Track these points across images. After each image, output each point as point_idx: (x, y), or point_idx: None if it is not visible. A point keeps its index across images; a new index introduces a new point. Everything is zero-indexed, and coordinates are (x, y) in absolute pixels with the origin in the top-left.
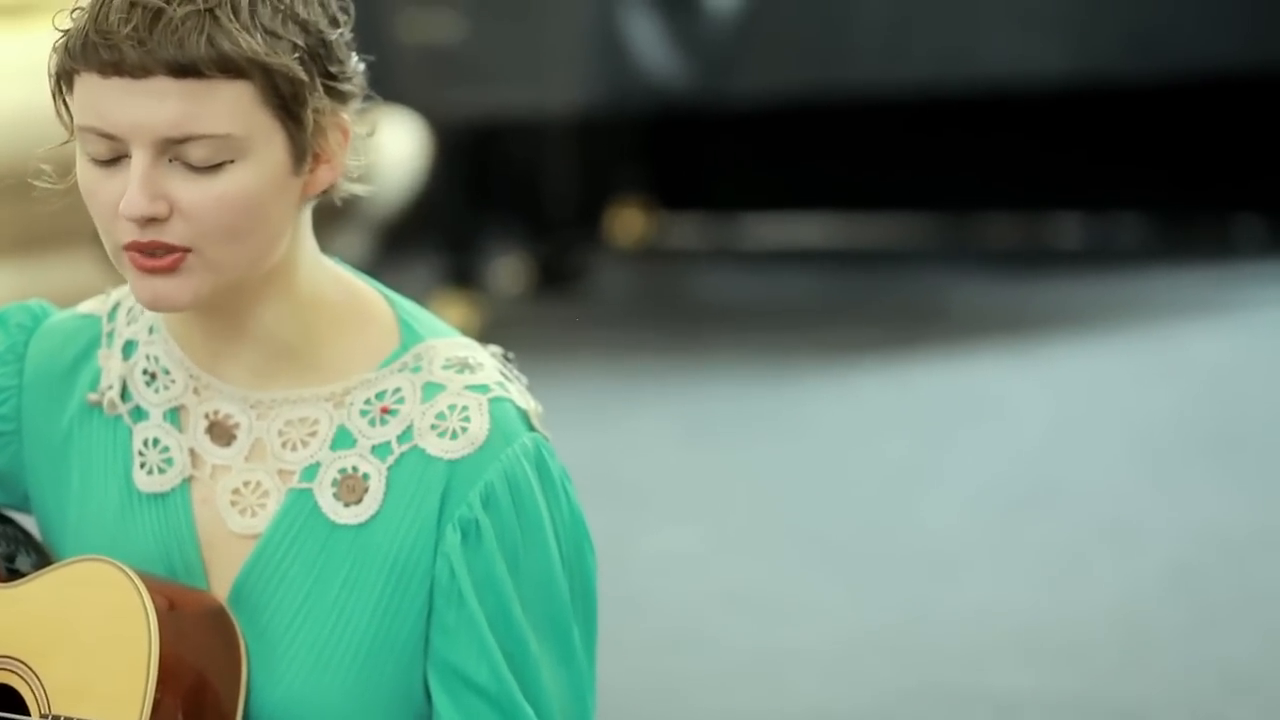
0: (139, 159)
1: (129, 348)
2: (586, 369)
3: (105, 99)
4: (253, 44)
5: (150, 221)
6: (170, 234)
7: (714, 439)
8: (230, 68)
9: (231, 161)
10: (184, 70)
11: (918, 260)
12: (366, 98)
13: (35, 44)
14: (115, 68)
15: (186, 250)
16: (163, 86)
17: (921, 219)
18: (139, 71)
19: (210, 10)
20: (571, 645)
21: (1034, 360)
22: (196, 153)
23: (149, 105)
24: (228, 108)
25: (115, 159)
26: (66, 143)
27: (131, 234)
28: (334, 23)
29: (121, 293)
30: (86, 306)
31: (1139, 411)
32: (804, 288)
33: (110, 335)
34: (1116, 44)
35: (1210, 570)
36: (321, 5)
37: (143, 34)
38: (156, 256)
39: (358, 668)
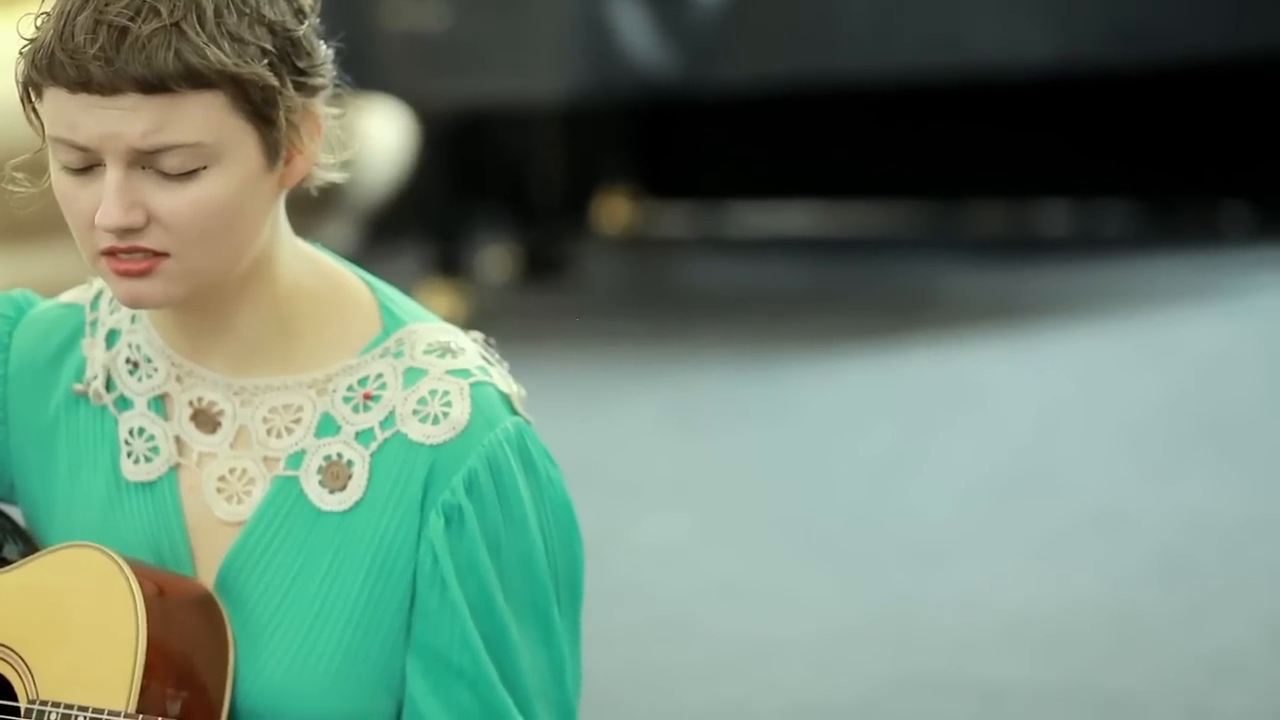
0: (113, 170)
1: (112, 337)
2: (573, 358)
3: (75, 113)
4: (220, 55)
5: (128, 230)
6: (148, 240)
7: (700, 428)
8: (200, 81)
9: (205, 168)
10: (153, 87)
11: (905, 248)
12: (337, 84)
13: (15, 33)
14: (83, 85)
15: (163, 255)
16: (132, 102)
17: (909, 207)
18: (107, 89)
19: (176, 24)
20: (552, 628)
21: (1022, 348)
22: (169, 162)
23: (119, 119)
24: (199, 118)
25: (88, 167)
26: (39, 150)
27: (109, 241)
28: (300, 15)
29: (104, 282)
30: (69, 296)
31: (1128, 399)
32: (791, 276)
33: (94, 324)
34: (1104, 31)
35: (1199, 558)
36: (287, 1)
37: (110, 53)
38: (130, 260)
39: (341, 654)
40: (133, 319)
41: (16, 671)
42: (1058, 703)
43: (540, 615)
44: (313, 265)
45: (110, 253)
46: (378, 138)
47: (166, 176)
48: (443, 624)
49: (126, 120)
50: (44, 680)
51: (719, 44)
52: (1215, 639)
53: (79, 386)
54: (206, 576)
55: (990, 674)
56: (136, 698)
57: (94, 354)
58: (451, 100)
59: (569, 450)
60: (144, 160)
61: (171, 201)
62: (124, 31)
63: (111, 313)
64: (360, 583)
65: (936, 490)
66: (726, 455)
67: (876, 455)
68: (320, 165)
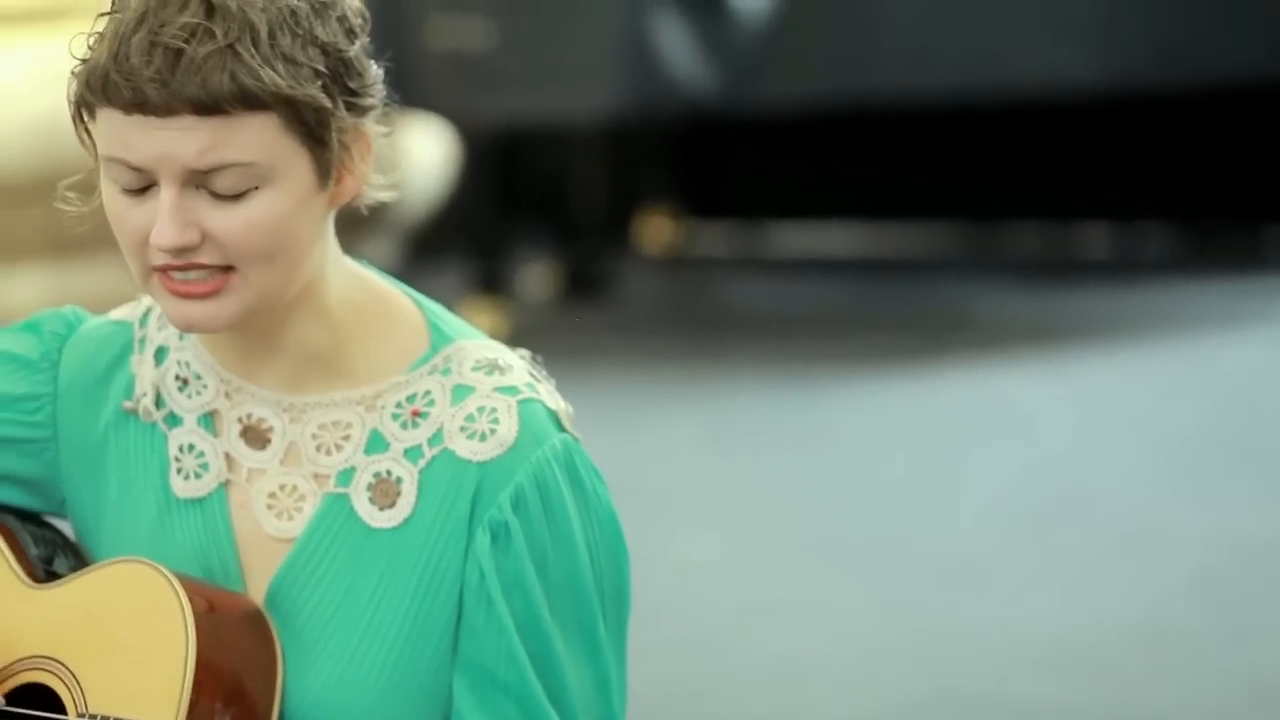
0: (167, 190)
1: (161, 354)
2: (613, 376)
3: (130, 133)
4: (275, 77)
5: (183, 249)
6: (204, 256)
7: (738, 447)
8: (255, 103)
9: (257, 188)
10: (208, 108)
11: (944, 269)
12: (386, 102)
13: (60, 50)
14: (139, 107)
15: (228, 270)
16: (188, 123)
17: (948, 228)
18: (163, 110)
19: (231, 46)
20: (598, 645)
21: (1060, 370)
22: (223, 182)
23: (174, 139)
24: (253, 139)
25: (144, 188)
26: (93, 170)
27: (163, 259)
28: (351, 36)
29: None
30: (119, 313)
31: (1164, 422)
32: (830, 296)
33: (143, 341)
34: (1145, 53)
35: (1234, 579)
36: (339, 20)
37: (165, 75)
38: (194, 282)
39: (389, 670)
40: (181, 335)
41: (65, 685)
42: None
43: (586, 632)
44: (361, 283)
45: (164, 270)
46: (421, 156)
47: (219, 197)
48: (489, 641)
49: (181, 141)
50: (93, 694)
51: (761, 63)
52: (1252, 661)
53: (129, 404)
54: (256, 593)
55: (1025, 695)
56: (185, 713)
57: (143, 371)
58: (494, 118)
59: (606, 468)
60: (198, 180)
61: (226, 221)
62: (179, 53)
63: (160, 329)
64: (408, 599)
65: (972, 511)
66: (763, 474)
67: (913, 476)
68: (370, 184)
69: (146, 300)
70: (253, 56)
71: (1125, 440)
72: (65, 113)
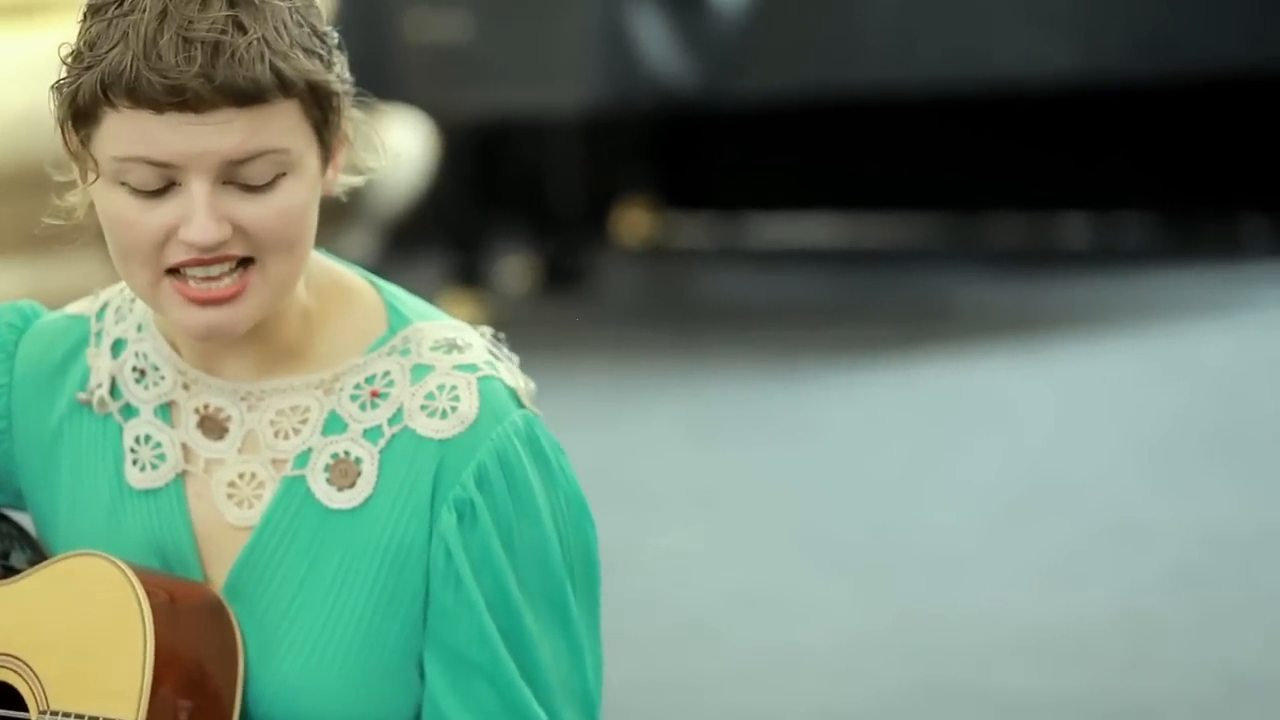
0: (202, 186)
1: (118, 346)
2: (592, 368)
3: (159, 131)
4: (303, 63)
5: (217, 245)
6: (232, 249)
7: (719, 438)
8: (290, 90)
9: (284, 174)
10: (250, 98)
11: (924, 260)
12: (359, 92)
13: (39, 44)
14: (177, 105)
15: (248, 267)
16: (226, 116)
17: (928, 219)
18: (204, 105)
19: (262, 36)
20: (569, 617)
21: (1040, 360)
22: (255, 171)
23: (211, 134)
24: (284, 126)
25: (162, 188)
26: (80, 170)
27: (185, 254)
28: (322, 19)
29: (110, 293)
30: (75, 307)
31: (1145, 412)
32: (810, 287)
33: (99, 335)
34: (1124, 44)
35: (1216, 570)
36: (317, 9)
37: (208, 69)
38: (217, 288)
39: (354, 652)
40: (139, 328)
41: (26, 682)
42: (1075, 714)
43: (557, 606)
44: (322, 269)
45: (180, 271)
46: (399, 148)
47: (248, 189)
48: (460, 621)
49: (219, 134)
50: (54, 690)
51: (739, 55)
52: (1230, 650)
53: (82, 395)
54: (218, 582)
55: (1008, 685)
56: (146, 705)
57: (98, 363)
58: (473, 111)
59: (587, 460)
60: (229, 173)
61: (255, 211)
62: (218, 46)
63: (117, 323)
64: (372, 580)
65: (954, 501)
66: (745, 466)
67: (895, 466)
68: (357, 170)
69: (104, 295)
70: (281, 43)
71: (1106, 430)
72: (39, 108)
